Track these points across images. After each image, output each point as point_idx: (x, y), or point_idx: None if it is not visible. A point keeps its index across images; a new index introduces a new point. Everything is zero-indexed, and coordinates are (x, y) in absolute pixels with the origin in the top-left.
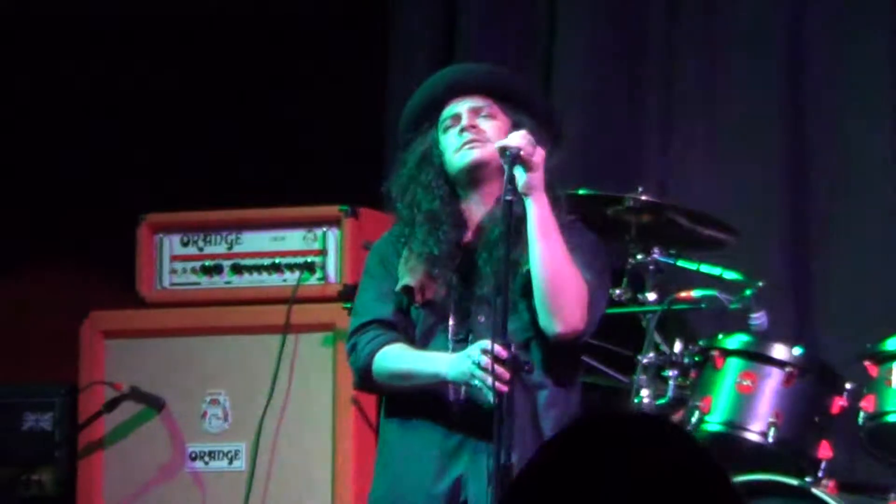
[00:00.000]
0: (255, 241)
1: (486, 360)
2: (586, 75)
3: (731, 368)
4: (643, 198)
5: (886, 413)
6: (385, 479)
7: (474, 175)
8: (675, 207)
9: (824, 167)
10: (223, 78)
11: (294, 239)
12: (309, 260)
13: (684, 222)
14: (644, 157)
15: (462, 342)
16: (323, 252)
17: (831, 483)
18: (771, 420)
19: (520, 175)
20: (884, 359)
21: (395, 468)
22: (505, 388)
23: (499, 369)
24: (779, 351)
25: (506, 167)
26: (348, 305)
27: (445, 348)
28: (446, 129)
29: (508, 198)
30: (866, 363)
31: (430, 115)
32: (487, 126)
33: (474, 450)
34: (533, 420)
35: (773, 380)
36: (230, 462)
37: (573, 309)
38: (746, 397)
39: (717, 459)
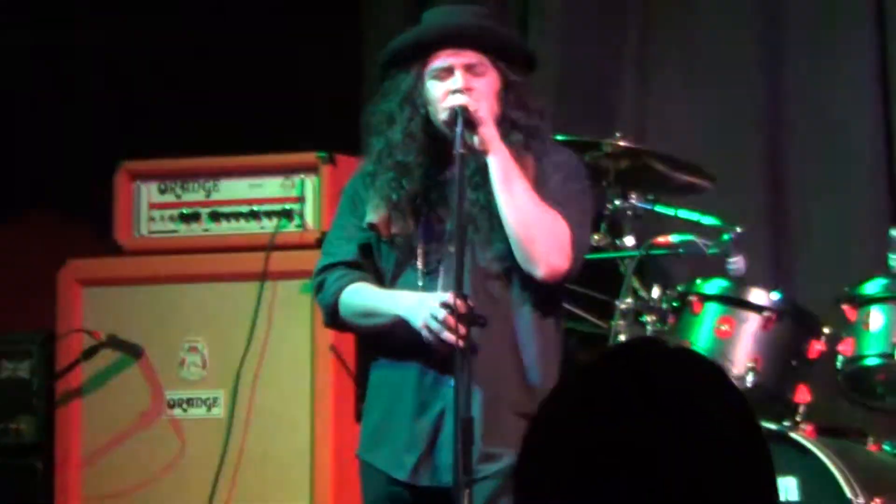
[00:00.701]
0: (233, 189)
1: (442, 314)
2: (563, 17)
3: (709, 313)
4: (621, 143)
5: (864, 357)
6: (371, 419)
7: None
8: (653, 153)
9: (801, 110)
10: (201, 24)
11: (272, 186)
12: (287, 207)
13: (662, 167)
14: (621, 102)
15: (433, 273)
16: (301, 199)
17: (809, 427)
18: (749, 364)
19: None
20: (862, 302)
21: (379, 408)
22: (459, 343)
23: (454, 323)
24: (756, 296)
25: (457, 125)
26: None
27: (415, 280)
28: (435, 78)
29: (461, 151)
30: (844, 307)
31: (416, 56)
32: (479, 84)
33: (449, 384)
34: (512, 351)
35: (750, 324)
36: (209, 409)
37: (551, 253)
38: (725, 342)
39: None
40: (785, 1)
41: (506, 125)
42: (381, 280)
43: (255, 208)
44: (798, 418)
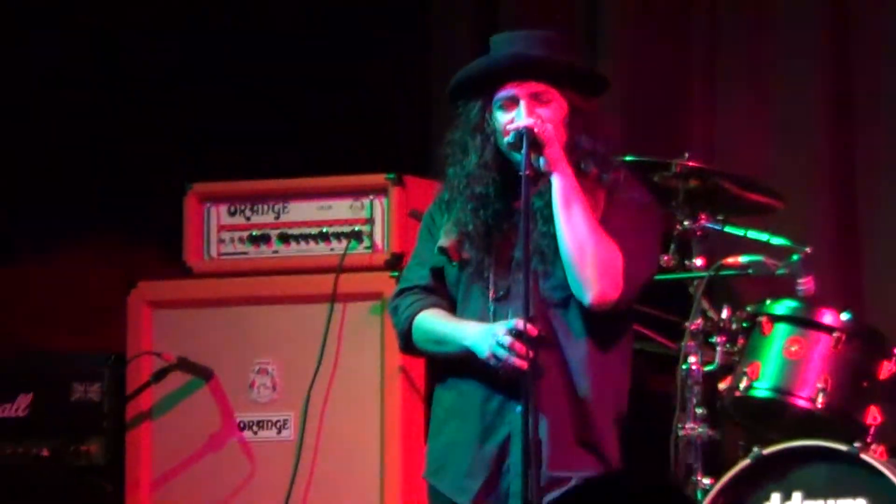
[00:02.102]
0: (302, 211)
1: (509, 340)
2: (629, 36)
3: (779, 334)
4: (689, 163)
5: None
6: (436, 444)
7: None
8: (722, 173)
9: (871, 126)
10: (271, 47)
11: (341, 208)
12: (356, 228)
13: (731, 187)
14: (689, 120)
15: (502, 300)
16: (370, 221)
17: (881, 448)
18: (819, 385)
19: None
20: None
21: (445, 432)
22: (524, 365)
23: (522, 347)
24: (826, 316)
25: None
26: (395, 274)
27: (485, 307)
28: (501, 108)
29: (526, 173)
30: None
31: (484, 86)
32: (545, 112)
33: (516, 409)
34: (567, 383)
35: (820, 345)
36: (279, 431)
37: (601, 279)
38: (794, 363)
39: None
40: (853, 13)
41: (576, 151)
42: (452, 308)
43: (325, 230)
44: (869, 439)
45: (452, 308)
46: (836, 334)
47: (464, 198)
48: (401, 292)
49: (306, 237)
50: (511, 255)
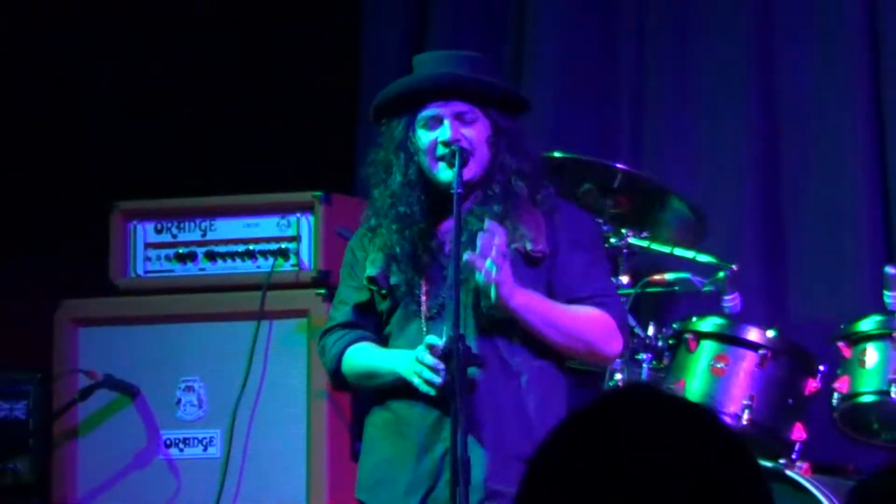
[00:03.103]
0: (229, 228)
1: (428, 358)
2: (558, 56)
3: (705, 351)
4: (616, 181)
5: (860, 394)
6: (370, 462)
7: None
8: (649, 190)
9: (797, 147)
10: (198, 64)
11: (268, 225)
12: (283, 246)
13: (658, 205)
14: (617, 138)
15: (435, 319)
16: (296, 238)
17: (805, 464)
18: (745, 402)
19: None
20: (857, 340)
21: (379, 449)
22: (438, 382)
23: (433, 365)
24: (752, 333)
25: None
26: (322, 292)
27: (420, 329)
28: (424, 128)
29: (459, 191)
30: (840, 344)
31: (408, 105)
32: (469, 133)
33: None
34: (513, 397)
35: (746, 362)
36: (205, 449)
37: (606, 348)
38: (720, 380)
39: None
40: (780, 32)
41: (502, 171)
42: (382, 335)
43: (251, 247)
44: (794, 456)
45: (382, 339)
46: (761, 351)
47: (388, 220)
48: (326, 332)
49: (233, 255)
50: (443, 275)
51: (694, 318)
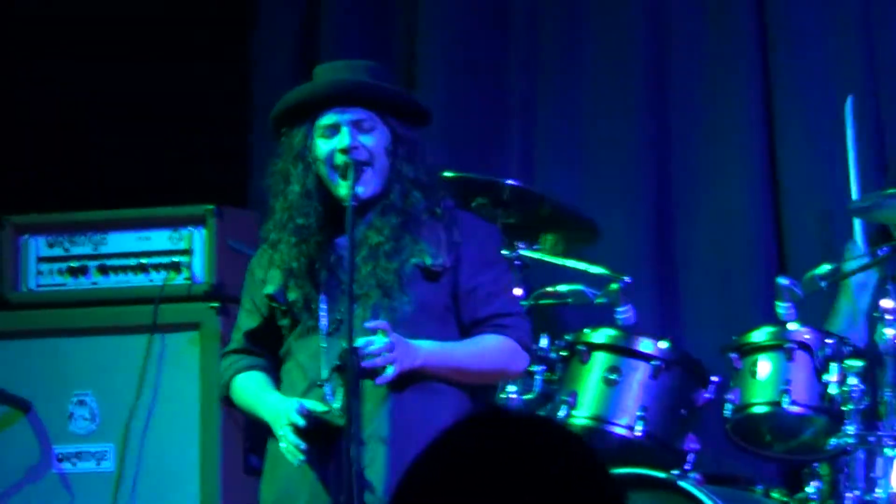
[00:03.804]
0: (121, 242)
1: (290, 435)
2: (449, 67)
3: (598, 362)
4: (508, 192)
5: (752, 405)
6: (274, 483)
7: (360, 202)
8: (541, 202)
9: (688, 159)
10: (87, 77)
11: (160, 239)
12: (175, 260)
13: (549, 217)
14: (508, 151)
15: (334, 334)
16: (189, 252)
17: (698, 475)
18: (638, 414)
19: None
20: (749, 351)
21: (282, 471)
22: (296, 461)
23: (295, 444)
24: (645, 345)
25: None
26: (215, 305)
27: (318, 343)
28: (322, 136)
29: (353, 203)
30: (732, 355)
31: (306, 113)
32: (367, 140)
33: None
34: (428, 418)
35: (639, 373)
36: (98, 463)
37: (515, 370)
38: (613, 391)
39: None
40: (670, 50)
41: (399, 180)
42: (279, 356)
43: (144, 261)
44: (687, 466)
45: (273, 365)
46: (654, 363)
47: (287, 233)
48: (223, 354)
49: (125, 268)
50: (342, 289)
51: (587, 330)
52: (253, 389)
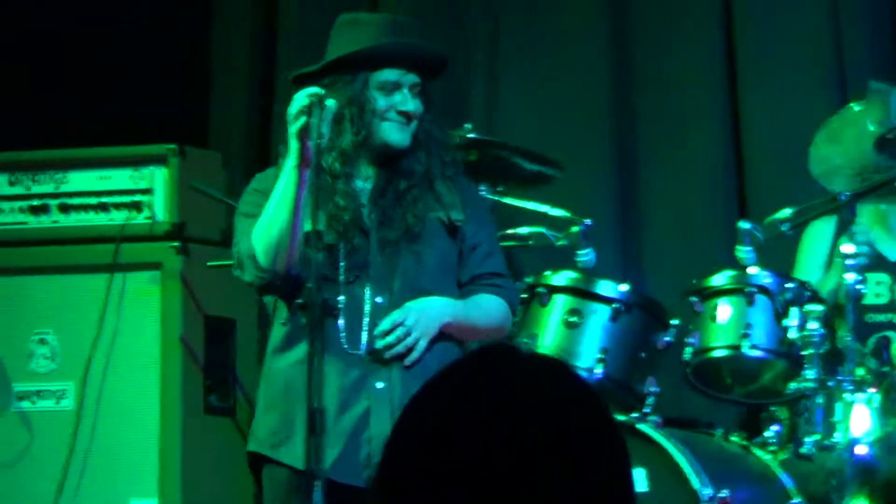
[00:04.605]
0: (82, 181)
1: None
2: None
3: (559, 305)
4: (470, 135)
5: (711, 349)
6: (273, 417)
7: (395, 152)
8: (501, 144)
9: (649, 103)
10: (47, 17)
11: (121, 178)
12: (136, 199)
13: (510, 158)
14: (470, 92)
15: (353, 283)
16: (150, 191)
17: (658, 418)
18: (598, 356)
19: None
20: (709, 295)
21: (288, 404)
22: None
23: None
24: (605, 287)
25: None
26: (176, 244)
27: (336, 289)
28: (381, 89)
29: (318, 141)
30: (692, 299)
31: (368, 63)
32: (417, 105)
33: (376, 385)
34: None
35: (599, 316)
36: (58, 402)
37: (505, 328)
38: (574, 333)
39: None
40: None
41: (432, 142)
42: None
43: (105, 200)
44: (646, 409)
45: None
46: (614, 305)
47: (336, 175)
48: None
49: (86, 207)
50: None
51: (547, 273)
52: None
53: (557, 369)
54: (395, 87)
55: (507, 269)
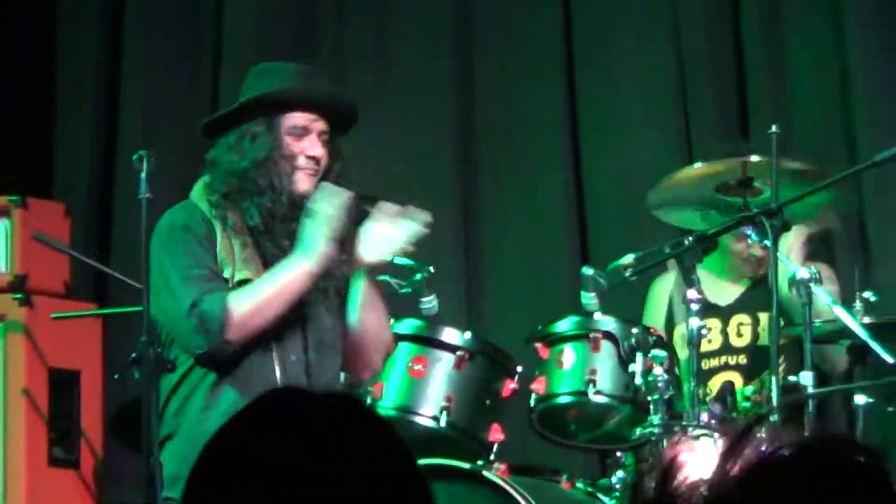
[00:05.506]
0: None
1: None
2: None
3: (402, 353)
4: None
5: (557, 395)
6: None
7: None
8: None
9: (494, 149)
10: None
11: None
12: None
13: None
14: None
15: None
16: None
17: (503, 466)
18: (443, 404)
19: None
20: (554, 341)
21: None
22: None
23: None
24: (449, 335)
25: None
26: (18, 296)
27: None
28: (290, 134)
29: (147, 196)
30: (537, 345)
31: (276, 106)
32: (322, 152)
33: None
34: None
35: (444, 364)
36: None
37: (382, 362)
38: (418, 381)
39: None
40: (475, 38)
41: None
42: None
43: None
44: (492, 457)
45: None
46: (459, 353)
47: (264, 222)
48: (193, 304)
49: None
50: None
51: (391, 321)
52: (261, 277)
53: (351, 405)
54: (304, 132)
55: None
